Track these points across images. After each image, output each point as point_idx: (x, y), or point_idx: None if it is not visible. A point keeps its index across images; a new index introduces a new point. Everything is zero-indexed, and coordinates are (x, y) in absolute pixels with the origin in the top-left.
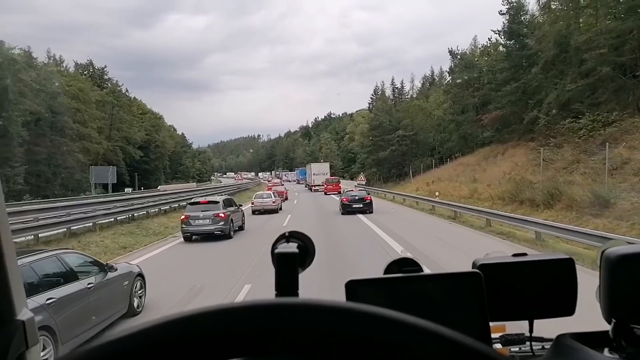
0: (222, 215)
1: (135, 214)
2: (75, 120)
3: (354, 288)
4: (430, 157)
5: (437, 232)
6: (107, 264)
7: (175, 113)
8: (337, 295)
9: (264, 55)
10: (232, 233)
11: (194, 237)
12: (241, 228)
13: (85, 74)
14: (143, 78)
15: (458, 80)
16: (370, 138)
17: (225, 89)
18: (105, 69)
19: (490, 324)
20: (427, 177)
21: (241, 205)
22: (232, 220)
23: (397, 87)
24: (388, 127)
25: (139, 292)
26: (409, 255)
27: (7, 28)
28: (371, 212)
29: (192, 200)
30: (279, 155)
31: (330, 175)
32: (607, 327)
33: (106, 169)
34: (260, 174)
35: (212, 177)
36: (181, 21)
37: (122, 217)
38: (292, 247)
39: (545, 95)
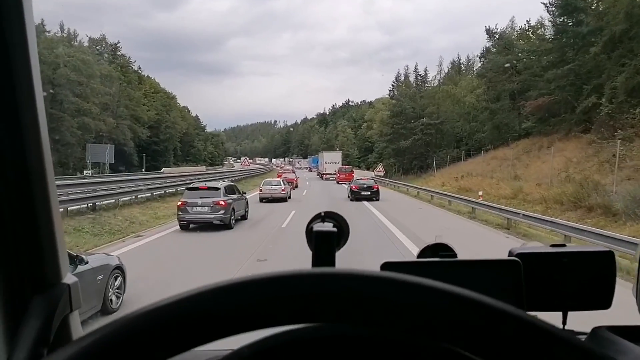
0: (223, 203)
1: (98, 203)
2: (76, 94)
3: (389, 270)
4: (456, 148)
5: (499, 253)
6: (77, 255)
7: (194, 96)
8: None
9: (285, 40)
10: (232, 223)
11: (191, 225)
12: (244, 217)
13: (98, 49)
14: (165, 59)
15: (505, 64)
16: (391, 126)
17: (246, 73)
18: (118, 45)
19: None
20: (454, 171)
21: (245, 193)
22: (233, 209)
23: (420, 75)
24: (411, 114)
25: (116, 287)
26: (443, 240)
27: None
28: (377, 200)
29: (191, 186)
30: (294, 142)
31: (343, 165)
32: None
33: (104, 147)
34: (274, 160)
35: (224, 162)
36: (205, 3)
37: (76, 207)
38: (328, 226)
39: (608, 79)
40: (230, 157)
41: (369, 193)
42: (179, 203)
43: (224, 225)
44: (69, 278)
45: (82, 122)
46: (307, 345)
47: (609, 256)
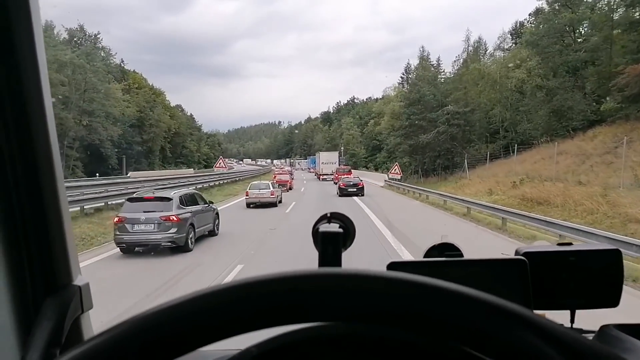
0: (174, 218)
1: None
2: None
3: (395, 269)
4: (490, 143)
5: None
6: None
7: (201, 98)
8: None
9: (291, 42)
10: (191, 243)
11: (136, 248)
12: (212, 233)
13: (75, 41)
14: (171, 63)
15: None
16: (407, 117)
17: (252, 75)
18: (98, 36)
19: None
20: (499, 172)
21: (212, 203)
22: (192, 225)
23: (433, 65)
24: (432, 102)
25: None
26: (449, 239)
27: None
28: (362, 195)
29: (134, 196)
30: (297, 142)
31: (345, 164)
32: None
33: None
34: (275, 161)
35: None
36: (211, 5)
37: None
38: (334, 227)
39: None
40: (233, 159)
41: (355, 189)
42: (116, 219)
43: (179, 248)
44: (80, 280)
45: None
46: (315, 343)
47: (616, 254)
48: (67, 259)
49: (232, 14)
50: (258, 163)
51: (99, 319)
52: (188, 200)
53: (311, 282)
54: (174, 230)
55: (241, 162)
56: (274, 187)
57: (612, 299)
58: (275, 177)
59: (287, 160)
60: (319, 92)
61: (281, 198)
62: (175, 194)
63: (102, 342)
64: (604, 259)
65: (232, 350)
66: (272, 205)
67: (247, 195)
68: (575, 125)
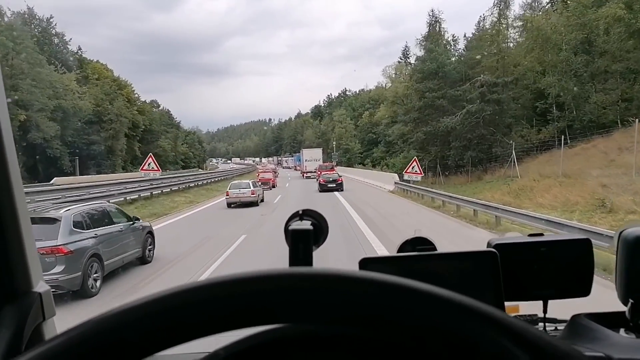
0: (62, 250)
1: None
2: None
3: (367, 265)
4: (541, 126)
5: None
6: None
7: (189, 97)
8: None
9: (283, 39)
10: (94, 288)
11: None
12: (143, 260)
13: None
14: (162, 62)
15: None
16: (420, 95)
17: (243, 73)
18: (51, 20)
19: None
20: (585, 167)
21: (138, 219)
22: (97, 256)
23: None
24: (454, 75)
25: None
26: (423, 234)
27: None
28: (342, 190)
29: None
30: (287, 138)
31: (334, 161)
32: (622, 308)
33: None
34: (264, 160)
35: (206, 164)
36: (202, 4)
37: None
38: (306, 224)
39: None
40: (219, 158)
41: (335, 185)
42: None
43: (78, 293)
44: (40, 286)
45: None
46: (284, 344)
47: (586, 244)
48: (26, 266)
49: (223, 12)
50: (246, 162)
51: (66, 326)
52: (94, 219)
53: (276, 282)
54: (60, 268)
55: (229, 161)
56: (254, 187)
57: (583, 289)
58: (258, 175)
59: (276, 158)
60: (311, 88)
61: (263, 197)
62: (67, 213)
63: (60, 343)
64: (574, 249)
65: (199, 353)
66: (252, 204)
67: (227, 195)
68: None
